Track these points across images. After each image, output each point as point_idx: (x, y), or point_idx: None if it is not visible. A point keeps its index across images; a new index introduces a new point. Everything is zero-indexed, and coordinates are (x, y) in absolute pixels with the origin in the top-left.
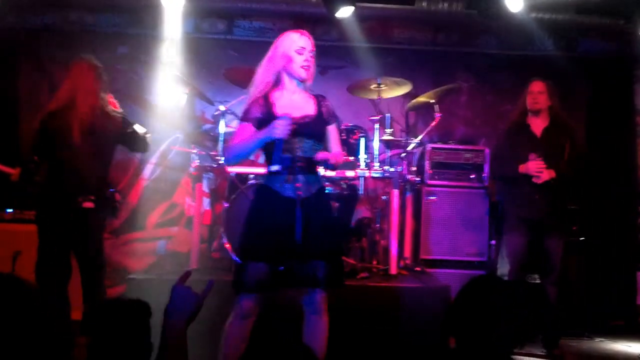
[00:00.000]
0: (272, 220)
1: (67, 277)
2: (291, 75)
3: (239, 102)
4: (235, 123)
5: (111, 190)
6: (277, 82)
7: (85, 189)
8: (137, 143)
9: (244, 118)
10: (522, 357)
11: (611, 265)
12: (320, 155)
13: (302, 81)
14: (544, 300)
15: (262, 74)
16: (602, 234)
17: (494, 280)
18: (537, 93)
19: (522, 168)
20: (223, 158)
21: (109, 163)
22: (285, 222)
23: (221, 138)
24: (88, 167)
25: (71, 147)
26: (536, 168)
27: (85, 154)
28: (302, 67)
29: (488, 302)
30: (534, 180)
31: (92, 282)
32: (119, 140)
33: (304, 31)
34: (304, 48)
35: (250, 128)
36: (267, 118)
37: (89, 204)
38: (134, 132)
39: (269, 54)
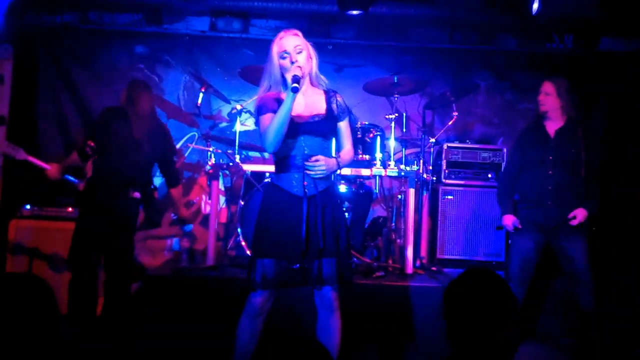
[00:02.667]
0: (279, 217)
1: (98, 265)
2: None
3: (254, 101)
4: (251, 122)
5: (152, 186)
6: (284, 85)
7: (136, 180)
8: (171, 171)
9: (263, 111)
10: None
11: (612, 265)
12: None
13: (300, 80)
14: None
15: (266, 81)
16: (603, 235)
17: (499, 280)
18: (544, 94)
19: (506, 219)
20: (264, 143)
21: (152, 165)
22: (293, 220)
23: (237, 136)
24: (141, 161)
25: (133, 139)
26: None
27: (142, 150)
28: (291, 69)
29: (498, 302)
30: (571, 223)
31: (118, 274)
32: (160, 156)
33: (288, 30)
34: (286, 51)
35: (272, 116)
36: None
37: (137, 194)
38: (173, 161)
39: (267, 63)
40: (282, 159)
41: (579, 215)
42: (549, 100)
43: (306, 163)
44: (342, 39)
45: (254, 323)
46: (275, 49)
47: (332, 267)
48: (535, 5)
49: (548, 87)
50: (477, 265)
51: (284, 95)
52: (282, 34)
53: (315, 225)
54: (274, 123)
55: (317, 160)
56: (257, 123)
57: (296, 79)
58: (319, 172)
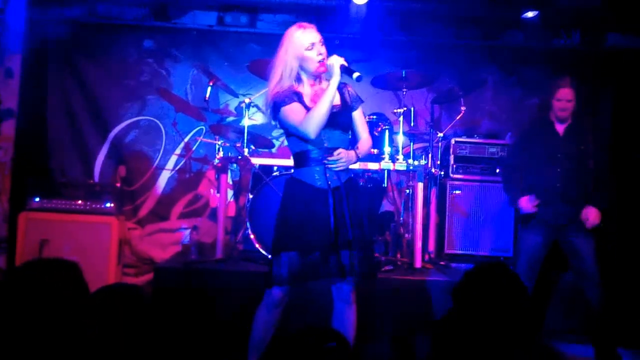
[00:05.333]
0: (304, 211)
1: None
2: (309, 72)
3: (262, 95)
4: (258, 116)
5: None
6: (297, 79)
7: None
8: None
9: (287, 101)
10: None
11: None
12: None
13: (321, 73)
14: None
15: (279, 72)
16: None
17: (510, 273)
18: (566, 101)
19: (523, 202)
20: (304, 131)
21: None
22: (318, 213)
23: (245, 130)
24: None
25: None
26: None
27: None
28: (318, 62)
29: (510, 295)
30: (587, 225)
31: None
32: None
33: (304, 24)
34: (313, 43)
35: (300, 105)
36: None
37: None
38: None
39: (279, 56)
40: (302, 153)
41: (590, 215)
42: (571, 105)
43: (328, 158)
44: (349, 33)
45: (272, 314)
46: (298, 40)
47: (356, 259)
48: (530, 14)
49: (569, 94)
50: (487, 260)
51: (299, 88)
52: (304, 25)
53: (342, 217)
54: (317, 111)
55: (338, 154)
56: (275, 116)
57: (345, 67)
58: (340, 166)
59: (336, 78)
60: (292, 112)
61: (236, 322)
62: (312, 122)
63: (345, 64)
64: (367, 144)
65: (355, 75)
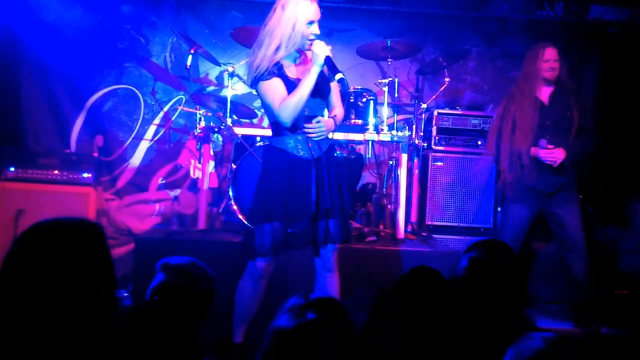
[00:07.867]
0: (286, 181)
1: None
2: (297, 47)
3: (249, 64)
4: (239, 86)
5: None
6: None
7: None
8: None
9: (268, 75)
10: None
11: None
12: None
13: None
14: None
15: (275, 41)
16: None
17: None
18: (554, 61)
19: (533, 151)
20: (279, 116)
21: None
22: (301, 182)
23: (228, 100)
24: None
25: None
26: (548, 157)
27: None
28: (310, 40)
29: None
30: (548, 160)
31: None
32: None
33: None
34: (313, 21)
35: (280, 82)
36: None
37: None
38: None
39: (277, 18)
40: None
41: (557, 152)
42: (558, 65)
43: (306, 125)
44: (333, 2)
45: (257, 286)
46: (302, 13)
47: (337, 226)
48: None
49: (556, 53)
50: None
51: (282, 59)
52: None
53: (323, 186)
54: (296, 100)
55: (317, 122)
56: (254, 86)
57: (330, 61)
58: (320, 134)
59: (317, 68)
60: (271, 89)
61: (220, 293)
62: (288, 110)
63: (331, 55)
64: (342, 114)
65: (338, 76)
